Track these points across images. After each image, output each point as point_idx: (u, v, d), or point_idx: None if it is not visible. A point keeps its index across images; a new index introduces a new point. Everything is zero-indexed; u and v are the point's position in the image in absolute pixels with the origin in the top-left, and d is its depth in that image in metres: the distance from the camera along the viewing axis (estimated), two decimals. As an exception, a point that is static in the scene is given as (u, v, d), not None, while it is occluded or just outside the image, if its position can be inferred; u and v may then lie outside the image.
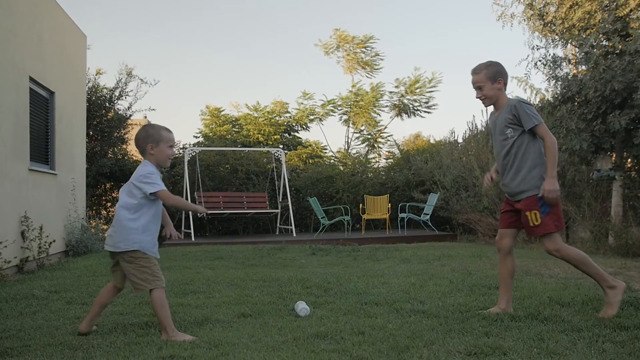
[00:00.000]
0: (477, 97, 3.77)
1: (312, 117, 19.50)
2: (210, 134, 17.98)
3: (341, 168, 15.30)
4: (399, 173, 14.35)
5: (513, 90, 16.68)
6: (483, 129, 11.77)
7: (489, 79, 3.68)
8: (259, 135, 17.75)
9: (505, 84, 3.73)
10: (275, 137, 18.01)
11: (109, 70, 31.33)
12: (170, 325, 3.27)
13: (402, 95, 19.39)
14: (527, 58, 8.98)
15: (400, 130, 50.07)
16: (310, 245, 9.66)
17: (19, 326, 3.65)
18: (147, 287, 3.28)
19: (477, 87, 3.73)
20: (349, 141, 19.85)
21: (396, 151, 18.33)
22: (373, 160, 17.98)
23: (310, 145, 18.53)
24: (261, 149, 15.09)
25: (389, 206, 12.58)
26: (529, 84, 10.52)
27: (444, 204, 11.96)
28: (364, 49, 19.76)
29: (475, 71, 3.74)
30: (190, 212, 11.82)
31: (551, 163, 3.50)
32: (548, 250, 3.61)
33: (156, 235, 3.39)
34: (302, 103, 19.61)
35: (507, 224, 3.79)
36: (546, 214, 3.54)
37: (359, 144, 19.78)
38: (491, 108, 3.87)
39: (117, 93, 12.32)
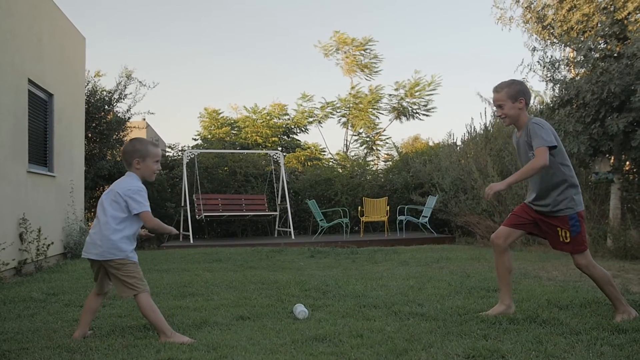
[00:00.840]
0: (497, 115, 3.78)
1: (311, 120, 19.52)
2: (209, 136, 17.99)
3: (340, 170, 15.30)
4: (398, 175, 14.36)
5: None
6: (482, 132, 11.79)
7: (510, 97, 3.65)
8: (257, 137, 17.75)
9: (527, 104, 3.69)
10: (273, 139, 18.02)
11: (107, 72, 31.28)
12: (166, 327, 3.28)
13: (402, 98, 19.42)
14: (522, 63, 8.99)
15: (398, 133, 50.15)
16: (309, 248, 9.66)
17: (17, 329, 3.64)
18: (134, 291, 3.30)
19: (498, 105, 3.70)
20: (348, 144, 19.88)
21: (395, 154, 18.35)
22: (372, 163, 17.99)
23: (309, 148, 18.54)
24: (260, 151, 15.10)
25: (388, 209, 12.58)
26: (529, 86, 10.54)
27: (443, 206, 11.97)
28: (363, 52, 19.78)
29: (496, 89, 3.72)
30: (189, 214, 11.84)
31: (517, 175, 3.51)
32: (578, 265, 3.67)
33: (134, 244, 3.43)
34: (301, 105, 19.64)
35: (513, 224, 3.78)
36: (576, 233, 3.59)
37: (358, 147, 19.82)
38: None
39: (116, 96, 12.31)
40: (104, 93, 12.25)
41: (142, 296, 3.30)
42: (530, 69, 8.72)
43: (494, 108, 3.80)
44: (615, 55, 7.80)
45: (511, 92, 3.65)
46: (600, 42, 8.26)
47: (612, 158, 8.37)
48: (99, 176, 11.91)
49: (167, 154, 14.56)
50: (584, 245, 3.65)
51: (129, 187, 3.33)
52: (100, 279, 3.45)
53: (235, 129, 18.72)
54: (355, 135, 19.83)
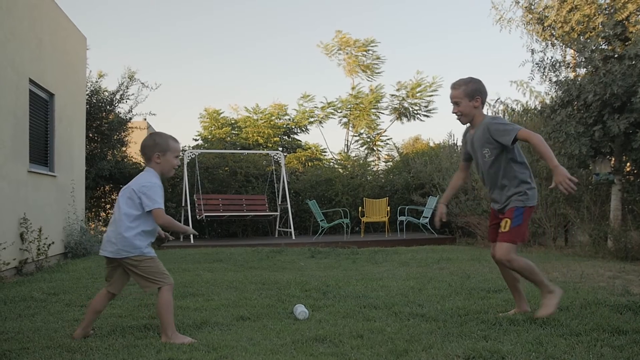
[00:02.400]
0: (452, 112, 3.74)
1: (312, 120, 19.53)
2: (210, 137, 17.99)
3: (340, 171, 15.30)
4: (398, 176, 14.36)
5: (511, 95, 16.79)
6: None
7: (467, 95, 3.64)
8: (259, 137, 17.76)
9: (483, 103, 3.68)
10: (274, 139, 18.03)
11: (109, 73, 31.25)
12: (171, 327, 3.26)
13: (403, 99, 19.44)
14: (531, 59, 8.91)
15: (399, 134, 50.17)
16: (310, 248, 9.65)
17: (17, 328, 3.65)
18: (155, 285, 3.30)
19: (454, 102, 3.69)
20: (349, 144, 19.90)
21: (395, 154, 18.35)
22: (372, 163, 17.99)
23: (309, 148, 18.54)
24: (260, 151, 15.10)
25: (388, 209, 12.58)
26: (529, 87, 10.54)
27: (443, 207, 11.94)
28: (365, 52, 19.81)
29: (454, 86, 3.69)
30: (189, 214, 11.83)
31: (549, 155, 3.40)
32: (500, 258, 3.58)
33: (152, 239, 3.40)
34: (302, 105, 19.64)
35: (497, 236, 3.78)
36: (517, 224, 3.56)
37: (359, 147, 19.83)
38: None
39: (118, 96, 12.32)
40: (106, 94, 12.26)
41: (164, 289, 3.30)
42: (539, 68, 8.68)
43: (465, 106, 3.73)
44: (615, 56, 7.80)
45: (468, 90, 3.64)
46: (601, 42, 8.26)
47: (613, 159, 8.37)
48: (99, 176, 11.92)
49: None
50: (520, 239, 3.60)
51: (144, 184, 3.30)
52: (116, 278, 3.41)
53: (236, 129, 18.73)
54: (356, 135, 19.85)
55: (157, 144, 3.40)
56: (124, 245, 3.27)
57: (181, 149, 3.23)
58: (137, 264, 3.29)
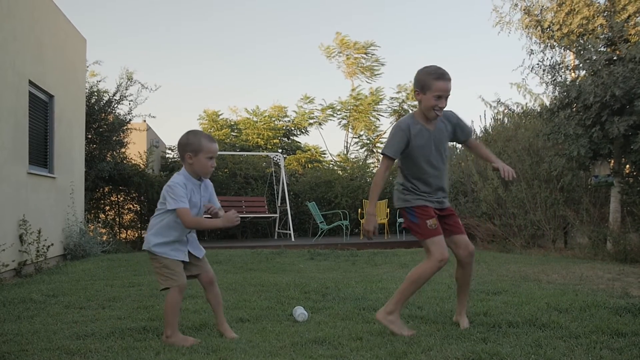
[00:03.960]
0: (440, 107, 3.28)
1: (311, 122, 19.55)
2: (209, 138, 17.98)
3: (340, 173, 15.31)
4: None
5: (512, 96, 16.89)
6: (481, 135, 11.80)
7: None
8: (259, 139, 17.77)
9: None
10: (274, 141, 18.04)
11: (108, 74, 31.25)
12: (171, 327, 3.24)
13: (403, 101, 19.47)
14: (523, 64, 8.99)
15: (399, 135, 50.04)
16: (309, 250, 9.66)
17: (16, 330, 3.64)
18: (161, 285, 3.31)
19: (447, 96, 3.27)
20: (348, 146, 19.92)
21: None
22: (372, 165, 18.01)
23: (309, 150, 18.56)
24: (260, 153, 15.12)
25: (388, 211, 12.58)
26: (528, 90, 10.57)
27: (443, 209, 11.95)
28: (364, 55, 19.85)
29: (449, 78, 3.27)
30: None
31: (494, 157, 3.48)
32: (471, 253, 3.43)
33: (175, 239, 3.33)
34: (301, 107, 19.67)
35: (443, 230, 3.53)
36: None
37: (358, 149, 19.85)
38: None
39: (117, 97, 12.32)
40: (106, 96, 12.25)
41: (170, 291, 3.26)
42: (531, 70, 8.72)
43: (443, 97, 3.29)
44: (615, 58, 7.81)
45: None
46: (601, 44, 8.27)
47: (612, 161, 8.38)
48: (99, 178, 11.92)
49: (167, 155, 14.52)
50: None
51: (168, 183, 3.27)
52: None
53: (235, 130, 18.74)
54: (355, 137, 19.87)
55: (189, 143, 3.25)
56: (145, 240, 3.33)
57: (217, 149, 3.11)
58: (151, 261, 3.32)
